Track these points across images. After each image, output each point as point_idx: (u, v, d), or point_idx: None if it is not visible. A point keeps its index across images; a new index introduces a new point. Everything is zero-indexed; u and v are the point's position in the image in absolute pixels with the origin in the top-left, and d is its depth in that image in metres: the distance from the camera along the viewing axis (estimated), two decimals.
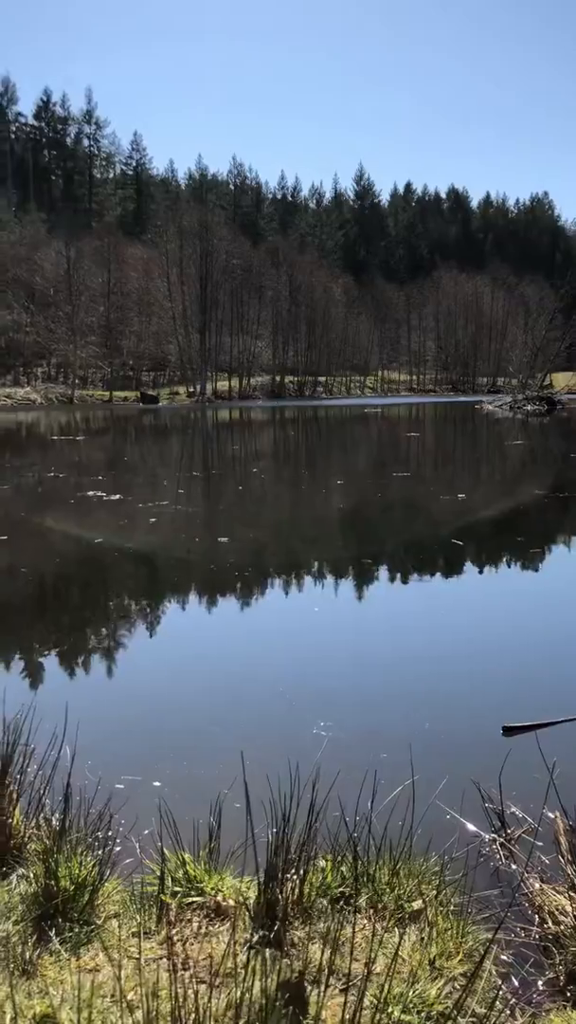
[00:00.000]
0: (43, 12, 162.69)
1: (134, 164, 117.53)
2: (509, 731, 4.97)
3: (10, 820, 3.40)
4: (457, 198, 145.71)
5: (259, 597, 8.84)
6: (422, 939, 2.72)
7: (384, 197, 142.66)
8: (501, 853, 3.60)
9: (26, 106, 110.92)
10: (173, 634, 7.57)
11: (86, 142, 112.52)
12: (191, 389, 76.52)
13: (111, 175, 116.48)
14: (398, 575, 9.86)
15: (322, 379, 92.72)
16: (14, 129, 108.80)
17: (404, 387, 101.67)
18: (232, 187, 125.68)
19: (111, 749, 4.71)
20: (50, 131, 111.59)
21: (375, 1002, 2.25)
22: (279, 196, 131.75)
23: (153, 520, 12.92)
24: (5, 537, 11.75)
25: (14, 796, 3.43)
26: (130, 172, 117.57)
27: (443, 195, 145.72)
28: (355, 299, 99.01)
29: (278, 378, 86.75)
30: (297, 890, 2.82)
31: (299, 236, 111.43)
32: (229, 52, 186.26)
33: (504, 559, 10.89)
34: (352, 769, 3.87)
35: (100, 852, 3.07)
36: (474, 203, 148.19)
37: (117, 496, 15.20)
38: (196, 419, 49.39)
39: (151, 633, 7.62)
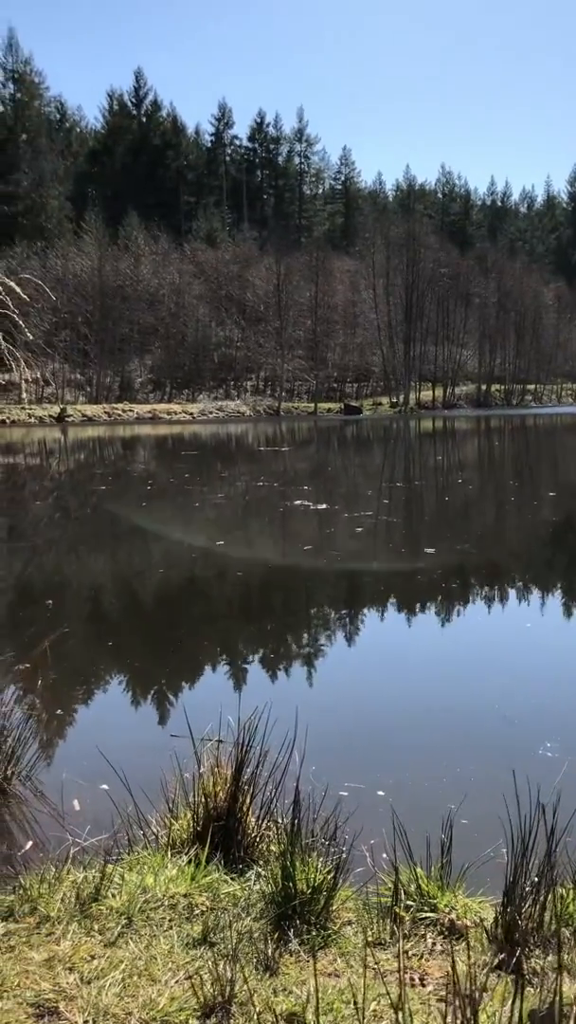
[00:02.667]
0: (254, 36, 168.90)
1: (343, 179, 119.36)
2: None
3: (244, 818, 3.53)
4: None
5: (469, 609, 8.68)
6: None
7: None
8: None
9: (241, 129, 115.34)
10: (388, 646, 7.58)
11: (297, 160, 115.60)
12: (394, 399, 76.52)
13: (320, 191, 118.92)
14: None
15: (531, 387, 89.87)
16: (229, 152, 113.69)
17: None
18: (440, 196, 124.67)
19: (335, 756, 4.78)
20: (263, 151, 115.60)
21: None
22: (488, 202, 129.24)
23: (359, 529, 13.03)
24: (221, 542, 12.26)
25: (248, 796, 3.55)
26: (339, 187, 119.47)
27: None
28: (568, 304, 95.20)
29: (484, 386, 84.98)
30: (537, 916, 2.73)
31: (508, 241, 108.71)
32: (434, 58, 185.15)
33: None
34: None
35: (333, 858, 3.12)
36: None
37: (323, 506, 15.45)
38: (398, 429, 49.32)
39: (366, 642, 7.67)
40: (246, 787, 3.57)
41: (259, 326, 75.43)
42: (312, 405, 71.21)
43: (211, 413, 63.37)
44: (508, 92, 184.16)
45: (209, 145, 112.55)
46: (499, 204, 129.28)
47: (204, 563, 11.17)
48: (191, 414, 61.85)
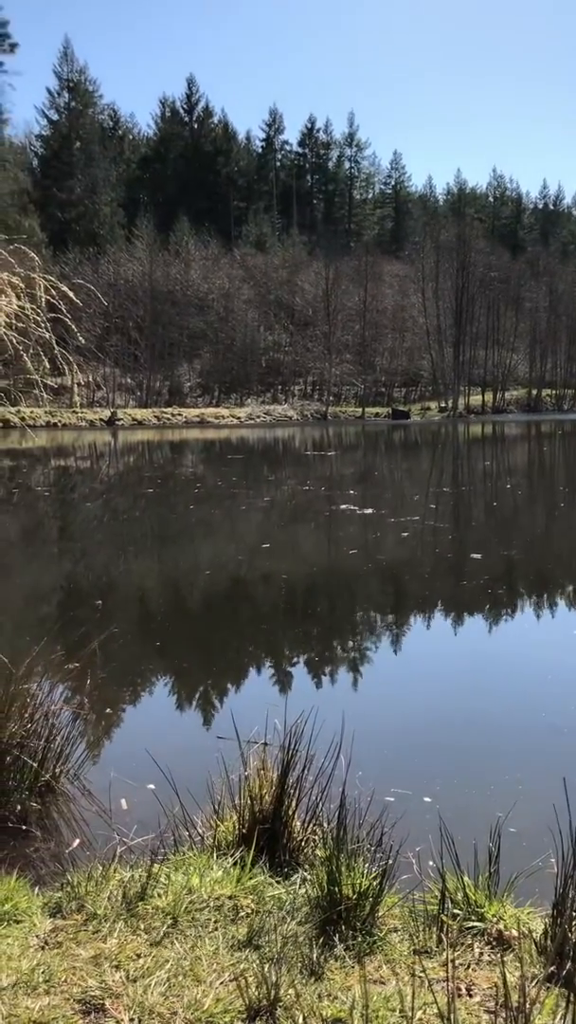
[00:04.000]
0: (306, 41, 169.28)
1: (392, 183, 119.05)
2: None
3: (289, 822, 3.52)
4: None
5: (515, 616, 8.57)
6: None
7: None
8: None
9: (291, 134, 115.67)
10: (433, 651, 7.53)
11: (347, 165, 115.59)
12: (443, 404, 76.01)
13: (370, 195, 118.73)
14: None
15: None
16: (280, 157, 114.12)
17: None
18: (491, 199, 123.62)
19: (382, 761, 4.75)
20: (313, 156, 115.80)
21: None
22: (540, 205, 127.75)
23: (405, 534, 12.95)
24: (267, 545, 12.28)
25: (293, 800, 3.55)
26: (388, 191, 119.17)
27: None
28: None
29: (535, 391, 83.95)
30: None
31: (561, 245, 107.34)
32: (484, 60, 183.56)
33: None
34: None
35: (379, 864, 3.09)
36: None
37: (369, 510, 15.39)
38: (447, 434, 48.97)
39: (413, 648, 7.62)
40: (292, 790, 3.56)
41: (307, 330, 75.55)
42: (360, 410, 71.07)
43: (258, 417, 63.61)
44: (561, 92, 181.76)
45: (260, 151, 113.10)
46: (551, 207, 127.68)
47: (249, 566, 11.20)
48: (239, 418, 62.15)
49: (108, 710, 5.82)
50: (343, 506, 15.99)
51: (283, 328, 75.57)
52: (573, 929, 2.62)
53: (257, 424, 59.74)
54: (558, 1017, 2.31)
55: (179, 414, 61.02)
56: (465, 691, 6.37)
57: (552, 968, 2.54)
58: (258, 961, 2.60)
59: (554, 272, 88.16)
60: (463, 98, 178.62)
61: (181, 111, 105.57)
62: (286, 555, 11.89)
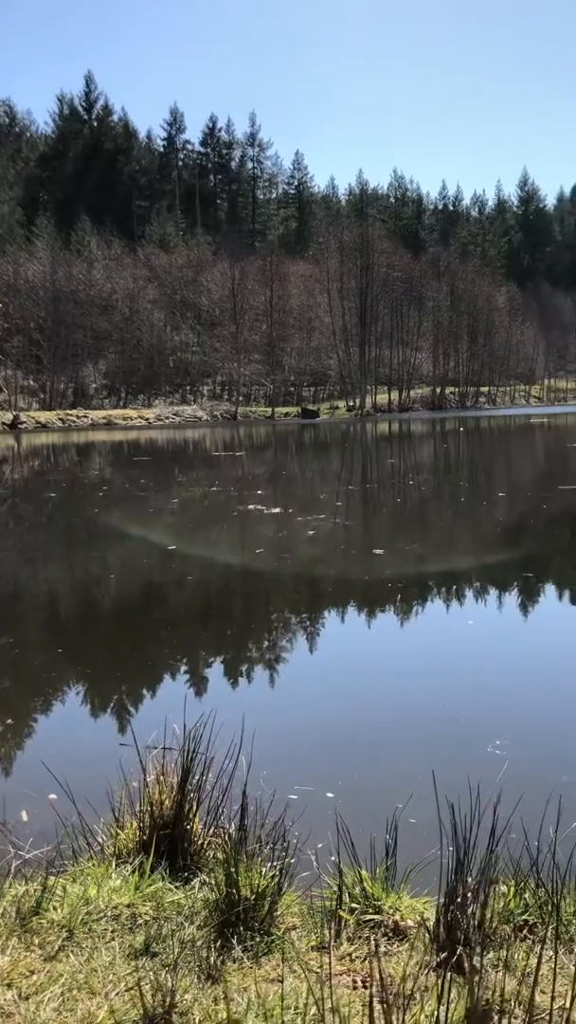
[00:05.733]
0: (208, 41, 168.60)
1: (296, 183, 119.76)
2: None
3: (190, 826, 3.50)
4: None
5: (416, 609, 8.73)
6: None
7: (550, 201, 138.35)
8: None
9: (193, 134, 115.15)
10: (334, 649, 7.60)
11: (250, 165, 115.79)
12: (351, 403, 76.90)
13: (274, 195, 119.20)
14: (566, 592, 9.48)
15: (484, 389, 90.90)
16: (182, 157, 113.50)
17: (573, 396, 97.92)
18: (392, 200, 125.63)
19: (286, 759, 4.77)
20: (216, 156, 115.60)
21: None
22: (440, 207, 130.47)
23: (312, 532, 13.05)
24: (174, 547, 12.20)
25: (194, 804, 3.53)
26: (292, 192, 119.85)
27: None
28: (519, 307, 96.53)
29: (439, 389, 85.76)
30: (478, 915, 2.74)
31: (461, 245, 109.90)
32: (384, 63, 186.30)
33: None
34: (533, 791, 3.73)
35: (278, 863, 3.11)
36: None
37: (277, 509, 15.45)
38: (355, 433, 49.56)
39: (313, 647, 7.68)
40: (192, 794, 3.54)
41: (215, 330, 75.40)
42: (269, 409, 71.29)
43: (167, 418, 63.10)
44: (459, 98, 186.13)
45: (162, 150, 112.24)
46: (451, 208, 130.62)
47: (155, 569, 11.10)
48: (147, 419, 61.52)
49: (9, 720, 5.68)
50: (252, 506, 16.01)
51: (190, 328, 75.16)
52: (464, 915, 2.69)
53: (166, 425, 59.26)
54: (453, 1002, 2.36)
55: (85, 416, 59.99)
56: (367, 686, 6.46)
57: (444, 955, 2.60)
58: (155, 969, 2.58)
59: (455, 272, 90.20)
60: (364, 99, 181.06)
61: (80, 109, 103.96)
62: (192, 557, 11.83)
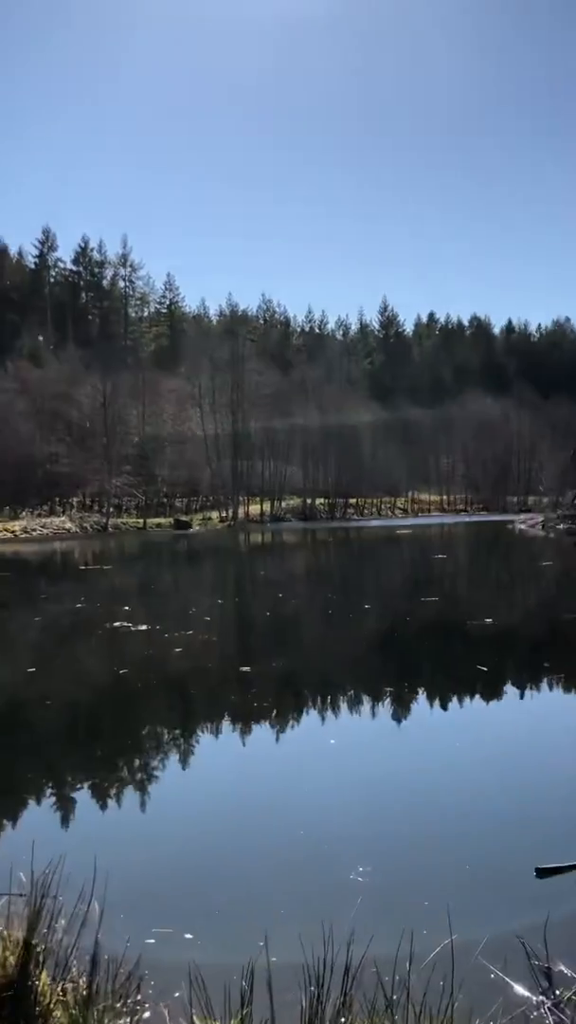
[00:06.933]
0: (76, 161, 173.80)
1: (167, 303, 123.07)
2: (543, 873, 4.78)
3: (36, 984, 3.29)
4: (480, 325, 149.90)
5: (280, 731, 8.67)
6: None
7: (408, 327, 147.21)
8: (550, 1019, 3.39)
9: (65, 252, 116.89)
10: (197, 773, 7.44)
11: (122, 284, 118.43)
12: (223, 514, 77.47)
13: (146, 313, 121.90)
14: (422, 706, 9.66)
15: (353, 501, 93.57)
16: (54, 274, 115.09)
17: (435, 507, 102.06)
18: (262, 322, 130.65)
19: (142, 901, 4.57)
20: (87, 274, 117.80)
21: None
22: (307, 328, 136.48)
23: (178, 650, 12.88)
24: (33, 669, 11.78)
25: (40, 959, 3.33)
26: (164, 310, 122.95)
27: (466, 323, 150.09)
28: (383, 423, 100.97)
29: (309, 500, 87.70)
30: None
31: (327, 365, 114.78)
32: (254, 190, 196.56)
33: (531, 687, 10.67)
34: (390, 922, 3.71)
35: (128, 1021, 2.95)
36: (496, 330, 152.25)
37: (144, 626, 15.21)
38: (226, 544, 49.78)
39: (175, 773, 7.48)
40: (40, 947, 3.35)
41: (86, 443, 75.04)
42: (142, 520, 70.83)
43: (35, 531, 61.62)
44: (323, 230, 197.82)
45: (33, 266, 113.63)
46: (317, 331, 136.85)
47: (10, 692, 10.65)
48: (13, 532, 59.87)
49: None
50: (117, 623, 15.67)
51: (60, 440, 74.56)
52: None
53: (34, 538, 57.81)
54: None
55: None
56: (229, 811, 6.31)
57: None
58: None
59: (321, 390, 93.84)
60: (234, 227, 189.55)
61: None
62: (52, 679, 11.44)
